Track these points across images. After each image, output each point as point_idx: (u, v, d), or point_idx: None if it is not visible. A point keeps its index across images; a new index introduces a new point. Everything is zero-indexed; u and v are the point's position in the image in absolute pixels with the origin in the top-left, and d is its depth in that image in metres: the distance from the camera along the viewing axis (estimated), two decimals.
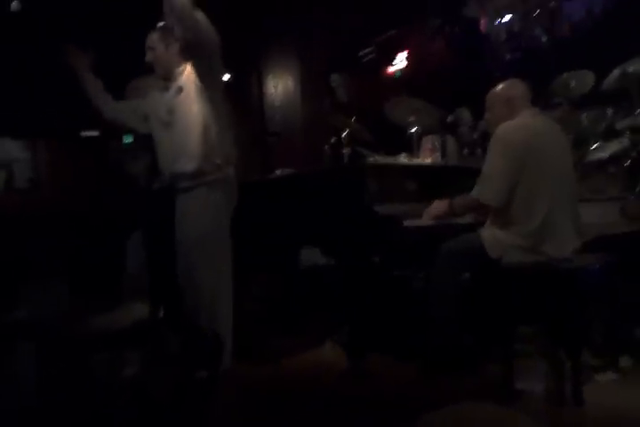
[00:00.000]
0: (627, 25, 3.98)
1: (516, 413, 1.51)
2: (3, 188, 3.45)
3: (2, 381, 2.06)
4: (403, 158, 3.50)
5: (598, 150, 3.48)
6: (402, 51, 5.52)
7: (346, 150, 3.78)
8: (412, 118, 3.72)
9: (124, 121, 3.03)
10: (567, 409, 2.42)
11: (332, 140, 4.15)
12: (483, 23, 5.09)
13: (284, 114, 6.11)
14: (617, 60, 3.61)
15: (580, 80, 3.78)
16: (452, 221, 2.88)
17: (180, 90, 2.78)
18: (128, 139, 3.98)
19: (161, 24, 2.81)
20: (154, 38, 2.85)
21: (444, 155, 3.61)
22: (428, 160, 3.53)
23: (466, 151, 3.93)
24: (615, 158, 3.37)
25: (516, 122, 2.71)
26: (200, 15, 2.60)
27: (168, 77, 2.86)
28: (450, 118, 4.03)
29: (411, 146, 3.67)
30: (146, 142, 3.75)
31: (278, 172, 3.85)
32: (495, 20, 4.99)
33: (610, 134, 3.56)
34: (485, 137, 3.31)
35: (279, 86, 6.22)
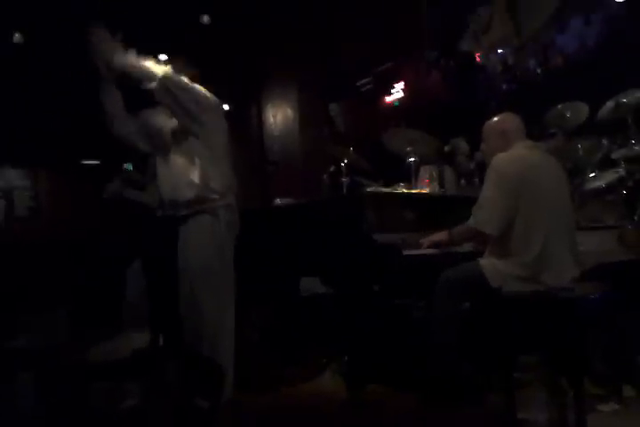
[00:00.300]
0: (619, 58, 4.05)
1: None
2: (3, 216, 3.46)
3: (1, 409, 2.04)
4: (401, 188, 3.54)
5: (595, 179, 3.52)
6: (399, 81, 5.62)
7: (345, 179, 3.82)
8: (409, 148, 3.75)
9: (132, 138, 2.95)
10: None
11: (331, 169, 4.18)
12: (478, 56, 5.20)
13: (283, 143, 6.17)
14: (610, 91, 3.67)
15: (574, 111, 3.83)
16: (451, 249, 2.89)
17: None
18: (128, 167, 4.01)
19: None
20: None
21: (441, 184, 3.65)
22: (427, 190, 3.57)
23: (463, 181, 3.96)
24: (612, 187, 3.41)
25: (511, 153, 2.75)
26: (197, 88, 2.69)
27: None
28: (447, 148, 4.06)
29: (409, 175, 3.70)
30: (146, 170, 3.77)
31: (277, 200, 3.87)
32: (490, 53, 5.10)
33: (606, 164, 3.60)
34: (482, 167, 3.34)
35: (278, 116, 6.29)
